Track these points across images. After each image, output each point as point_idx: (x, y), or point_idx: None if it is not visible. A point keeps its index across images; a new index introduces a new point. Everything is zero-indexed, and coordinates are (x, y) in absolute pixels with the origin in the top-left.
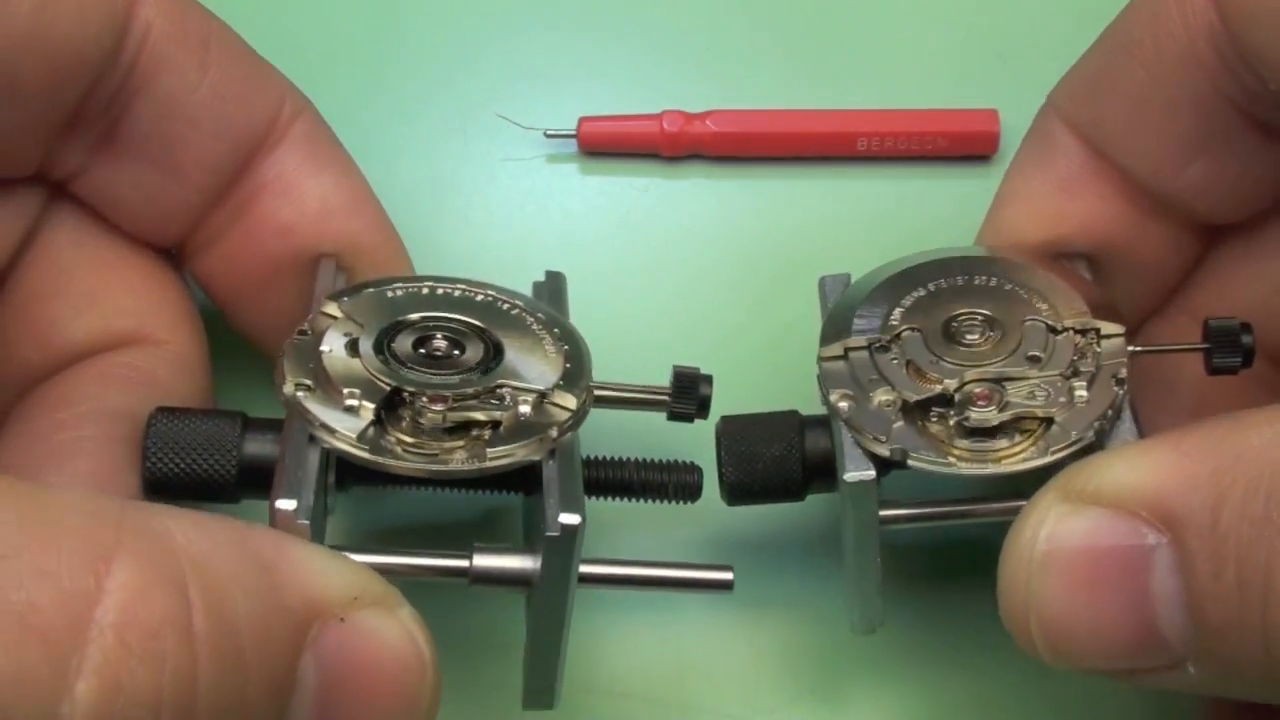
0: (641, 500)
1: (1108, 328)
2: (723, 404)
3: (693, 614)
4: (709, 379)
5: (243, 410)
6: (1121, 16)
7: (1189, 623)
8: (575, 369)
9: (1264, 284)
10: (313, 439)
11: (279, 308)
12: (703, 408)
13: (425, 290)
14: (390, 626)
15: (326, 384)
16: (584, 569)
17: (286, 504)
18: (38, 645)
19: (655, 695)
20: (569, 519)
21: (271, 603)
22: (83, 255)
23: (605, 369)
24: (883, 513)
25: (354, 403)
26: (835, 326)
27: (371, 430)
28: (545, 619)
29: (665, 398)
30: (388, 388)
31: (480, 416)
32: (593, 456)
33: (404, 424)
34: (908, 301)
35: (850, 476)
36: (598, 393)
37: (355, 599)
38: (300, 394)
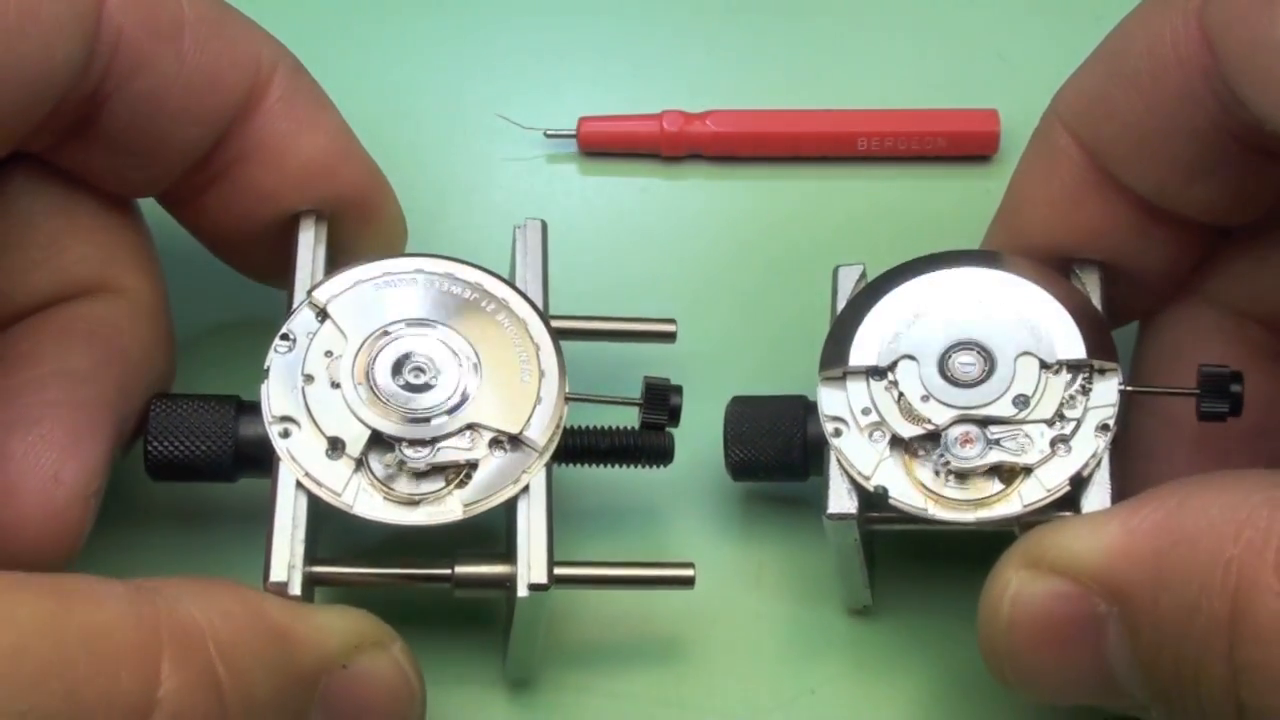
0: (616, 466)
1: (1101, 365)
2: (720, 402)
3: (692, 614)
4: (679, 389)
5: (237, 394)
6: (1121, 34)
7: (1142, 681)
8: (548, 400)
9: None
10: (299, 483)
11: (265, 257)
12: (673, 417)
13: (411, 280)
14: (385, 664)
15: (309, 421)
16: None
17: (279, 577)
18: None
19: (655, 695)
20: (538, 580)
21: (287, 670)
22: (40, 203)
23: (602, 369)
24: (873, 513)
25: (337, 447)
26: (837, 345)
27: (354, 477)
28: (521, 630)
29: (638, 405)
30: (369, 431)
31: (458, 459)
32: (571, 425)
33: (384, 464)
34: (907, 324)
35: (832, 511)
36: (574, 401)
37: (356, 646)
38: (286, 428)
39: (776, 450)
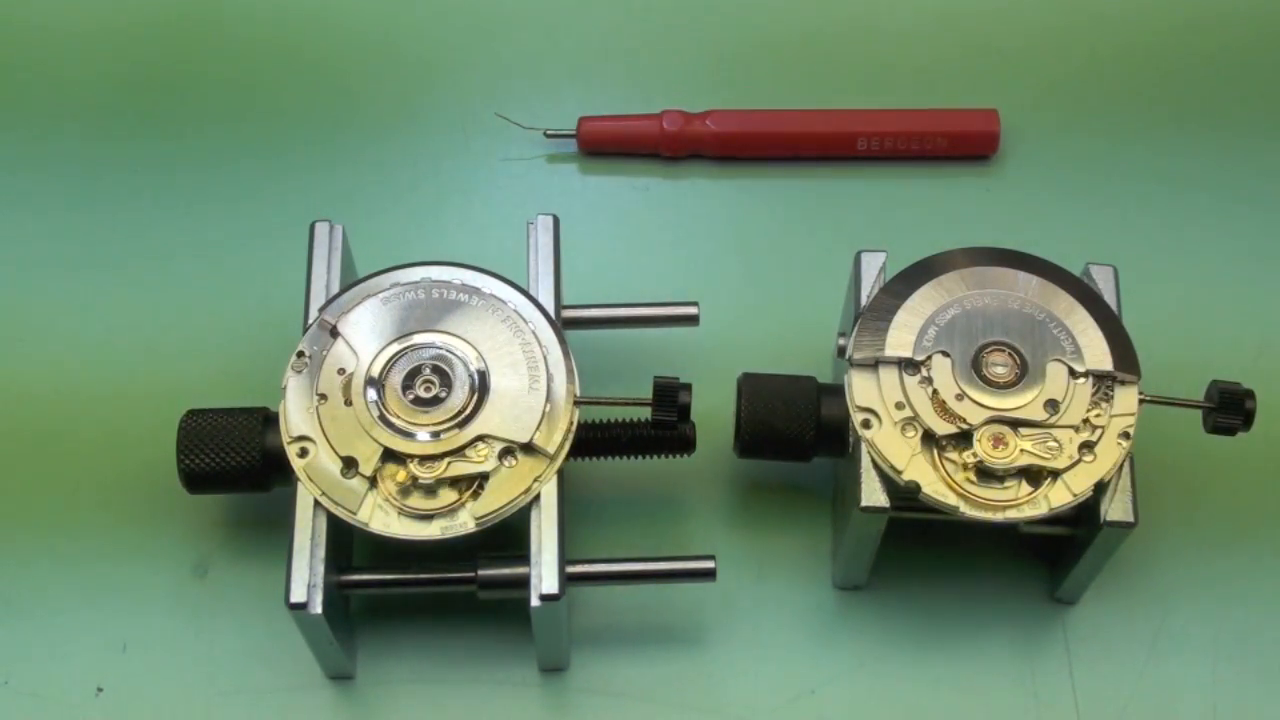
0: (640, 457)
1: (1123, 376)
2: (721, 401)
3: (692, 614)
4: (688, 387)
5: (265, 406)
6: None
7: None
8: (557, 406)
9: None
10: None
11: None
12: (683, 416)
13: (421, 294)
14: None
15: (324, 440)
16: (572, 569)
17: (299, 598)
18: None
19: (655, 695)
20: (549, 590)
21: None
22: None
23: (603, 370)
24: (900, 506)
25: (350, 465)
26: (872, 331)
27: (368, 495)
28: (543, 632)
29: (648, 405)
30: (380, 449)
31: (469, 471)
32: (590, 420)
33: (397, 479)
34: (942, 320)
35: (866, 504)
36: (584, 404)
37: None
38: (304, 446)
39: (791, 429)
